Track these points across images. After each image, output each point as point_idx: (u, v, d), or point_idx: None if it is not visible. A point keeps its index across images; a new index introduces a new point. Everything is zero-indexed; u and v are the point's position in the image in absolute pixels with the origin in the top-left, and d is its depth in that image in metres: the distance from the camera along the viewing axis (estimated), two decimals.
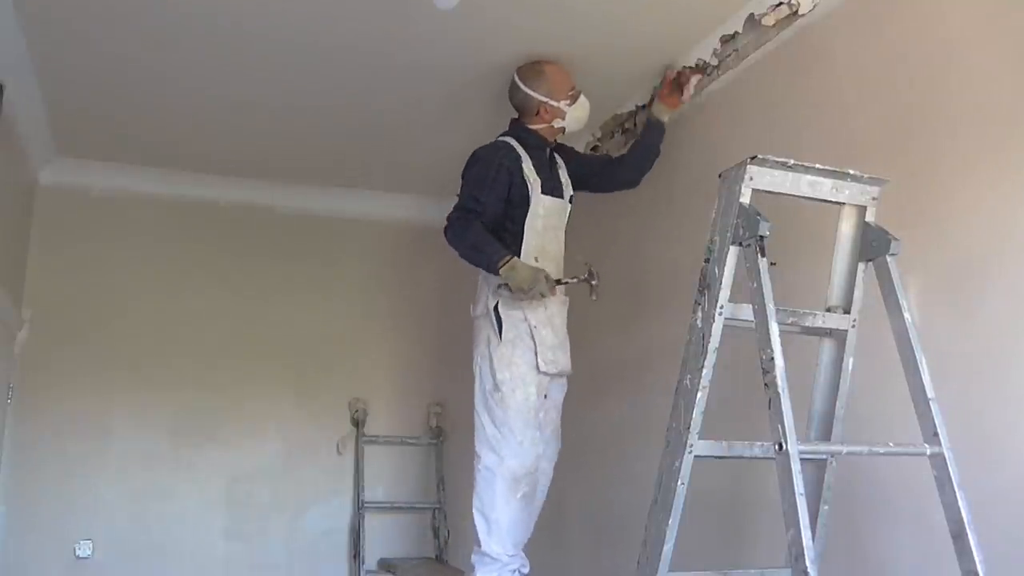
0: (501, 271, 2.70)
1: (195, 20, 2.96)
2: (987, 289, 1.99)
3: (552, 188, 2.93)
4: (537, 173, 2.88)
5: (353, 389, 4.73)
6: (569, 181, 3.04)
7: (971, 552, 1.65)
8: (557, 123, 2.98)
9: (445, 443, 4.80)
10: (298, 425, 4.62)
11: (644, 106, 3.55)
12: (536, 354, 2.79)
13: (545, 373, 2.81)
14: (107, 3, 2.86)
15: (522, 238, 2.82)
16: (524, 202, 2.84)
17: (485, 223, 2.82)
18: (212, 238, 4.62)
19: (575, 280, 2.83)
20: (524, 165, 2.86)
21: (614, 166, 3.19)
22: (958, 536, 1.68)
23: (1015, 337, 1.91)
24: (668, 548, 1.86)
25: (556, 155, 3.08)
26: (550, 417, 2.92)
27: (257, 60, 3.25)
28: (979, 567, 1.64)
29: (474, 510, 2.81)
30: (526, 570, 2.83)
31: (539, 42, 3.00)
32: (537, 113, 2.97)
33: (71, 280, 4.36)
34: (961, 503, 1.69)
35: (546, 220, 2.88)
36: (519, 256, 2.78)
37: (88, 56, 3.24)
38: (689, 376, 1.89)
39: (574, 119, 3.00)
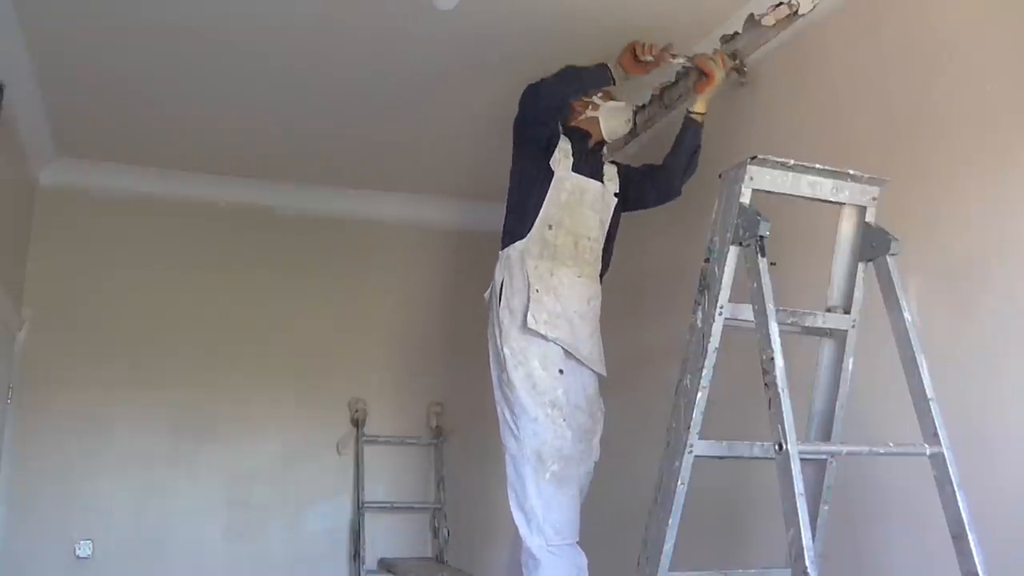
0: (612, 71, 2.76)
1: (196, 21, 2.96)
2: (986, 289, 2.00)
3: (588, 172, 2.88)
4: (572, 155, 2.85)
5: (353, 389, 4.73)
6: (616, 179, 2.98)
7: (971, 552, 1.65)
8: (590, 112, 2.94)
9: (445, 443, 4.80)
10: (298, 425, 4.62)
11: (644, 106, 3.55)
12: (527, 310, 2.69)
13: (536, 333, 2.67)
14: (107, 3, 2.86)
15: (541, 206, 2.78)
16: (548, 175, 2.81)
17: (514, 184, 2.86)
18: (212, 238, 4.62)
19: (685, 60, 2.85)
20: (562, 143, 2.85)
21: (652, 173, 3.02)
22: (958, 536, 1.68)
23: (1015, 337, 1.91)
24: (668, 548, 1.86)
25: (609, 163, 3.02)
26: (578, 408, 2.78)
27: (258, 58, 3.25)
28: (979, 567, 1.64)
29: (511, 506, 2.67)
30: (582, 562, 2.64)
31: (536, 43, 3.00)
32: (572, 109, 2.94)
33: (71, 280, 4.36)
34: (961, 503, 1.69)
35: (571, 196, 2.83)
36: (535, 221, 2.77)
37: (88, 56, 3.24)
38: (689, 376, 1.89)
39: (609, 113, 2.94)
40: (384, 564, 4.55)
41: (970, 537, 1.66)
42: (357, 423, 4.69)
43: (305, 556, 4.53)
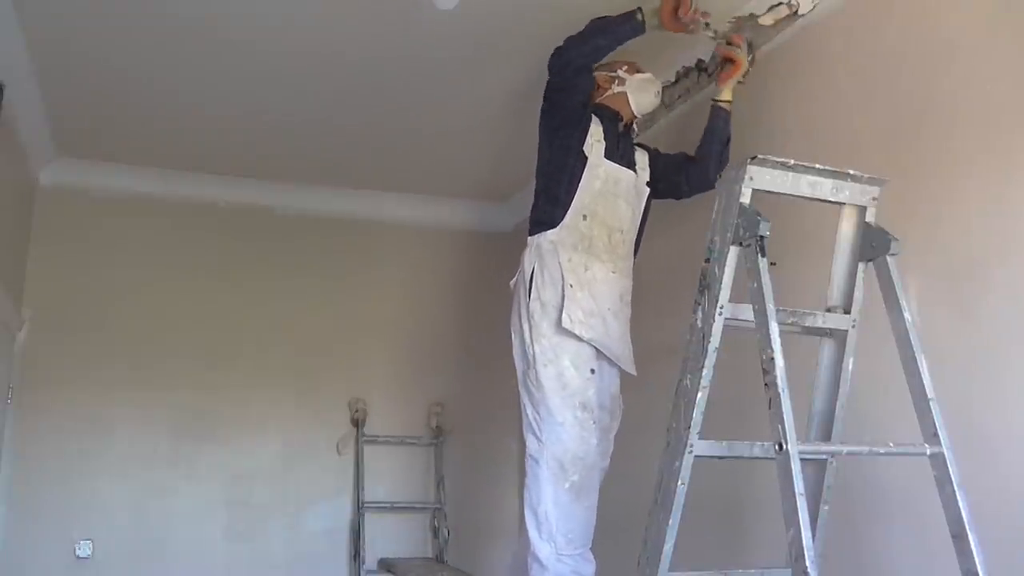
0: (645, 17, 2.55)
1: (197, 20, 2.96)
2: (987, 289, 2.00)
3: (620, 158, 2.76)
4: (604, 139, 2.74)
5: (353, 389, 4.72)
6: (648, 168, 2.88)
7: (971, 552, 1.65)
8: (616, 88, 2.82)
9: (445, 443, 4.80)
10: (298, 425, 4.62)
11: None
12: (561, 310, 2.56)
13: (570, 332, 2.56)
14: (107, 3, 2.86)
15: (575, 194, 2.66)
16: (582, 161, 2.69)
17: (542, 167, 2.74)
18: (212, 238, 4.62)
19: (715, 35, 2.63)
20: (593, 126, 2.73)
21: (687, 165, 2.90)
22: (958, 536, 1.68)
23: (1015, 337, 1.91)
24: (668, 548, 1.86)
25: (638, 146, 2.91)
26: (602, 408, 2.67)
27: (259, 57, 3.25)
28: (979, 567, 1.64)
29: (524, 506, 2.60)
30: (589, 572, 2.58)
31: (537, 43, 2.99)
32: (598, 86, 2.84)
33: (71, 280, 4.36)
34: (961, 503, 1.69)
35: (605, 185, 2.71)
36: (568, 210, 2.64)
37: (88, 56, 3.24)
38: (689, 376, 1.89)
39: (637, 86, 2.83)
40: (384, 564, 4.55)
41: (970, 537, 1.66)
42: (357, 423, 4.69)
43: (305, 556, 4.53)
